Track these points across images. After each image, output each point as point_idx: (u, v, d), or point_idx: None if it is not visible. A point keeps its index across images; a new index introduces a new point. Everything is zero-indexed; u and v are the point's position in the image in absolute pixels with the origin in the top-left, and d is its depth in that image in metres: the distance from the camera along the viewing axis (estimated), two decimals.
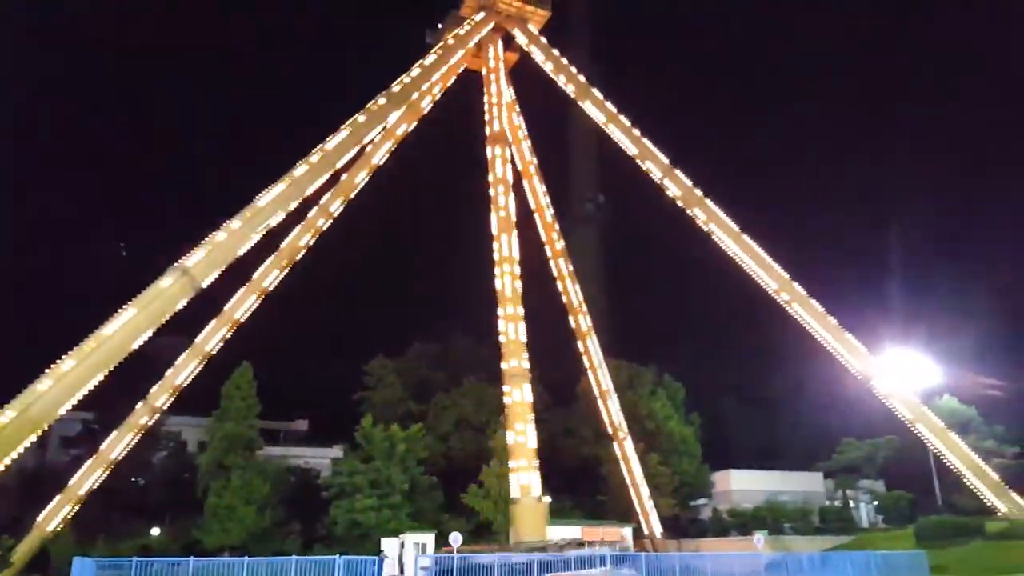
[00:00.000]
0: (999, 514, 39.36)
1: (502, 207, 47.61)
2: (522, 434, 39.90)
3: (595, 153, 73.26)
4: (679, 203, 48.61)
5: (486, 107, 52.94)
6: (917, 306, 78.68)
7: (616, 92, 52.60)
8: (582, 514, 56.97)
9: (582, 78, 52.88)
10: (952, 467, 38.85)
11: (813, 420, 72.89)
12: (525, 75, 57.75)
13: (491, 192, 48.69)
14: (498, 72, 53.62)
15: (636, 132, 50.47)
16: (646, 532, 53.07)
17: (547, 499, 56.59)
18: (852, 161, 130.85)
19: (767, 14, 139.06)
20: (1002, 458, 54.34)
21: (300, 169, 35.85)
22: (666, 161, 49.35)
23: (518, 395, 41.56)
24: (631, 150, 50.26)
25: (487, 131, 51.75)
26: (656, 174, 49.20)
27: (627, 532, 45.96)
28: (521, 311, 43.96)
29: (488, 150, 51.34)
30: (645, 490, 54.40)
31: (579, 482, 64.68)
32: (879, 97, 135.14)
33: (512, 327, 42.82)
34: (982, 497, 37.09)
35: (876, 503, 62.49)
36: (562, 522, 48.27)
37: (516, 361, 41.76)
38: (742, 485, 65.76)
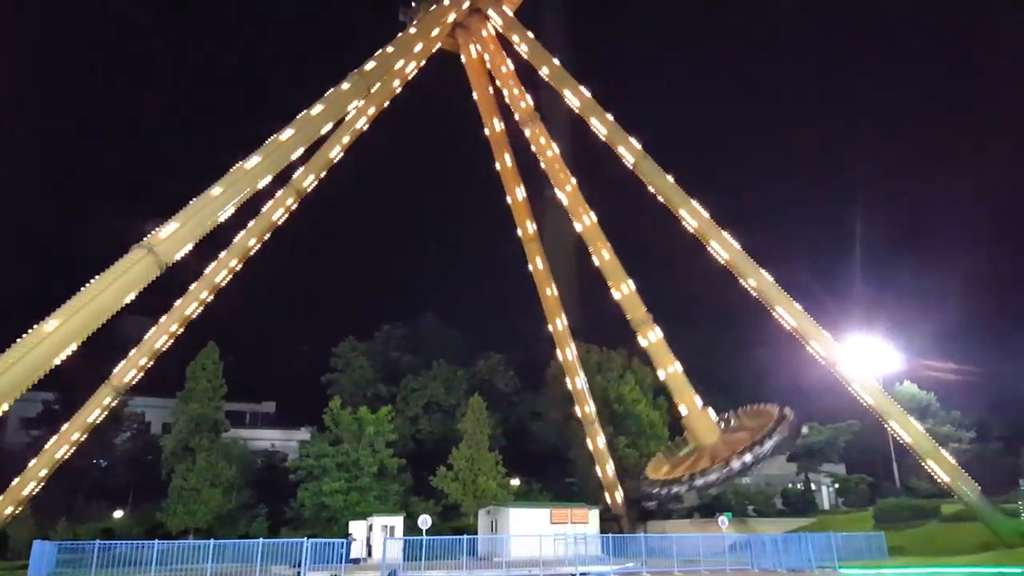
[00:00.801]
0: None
1: (564, 180, 51.30)
2: (673, 366, 49.53)
3: (569, 136, 73.10)
4: (651, 189, 48.51)
5: (505, 91, 53.21)
6: (878, 294, 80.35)
7: (589, 74, 52.40)
8: (550, 497, 57.59)
9: (556, 61, 52.44)
10: (911, 451, 39.83)
11: (777, 404, 73.98)
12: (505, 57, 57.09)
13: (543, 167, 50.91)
14: (482, 56, 53.23)
15: (609, 117, 50.08)
16: (613, 514, 53.71)
17: (515, 482, 57.13)
18: (811, 149, 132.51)
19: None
20: (959, 442, 56.05)
21: (271, 145, 35.05)
22: (639, 147, 49.12)
23: (654, 336, 49.75)
24: (604, 135, 49.88)
25: (516, 115, 52.45)
26: (630, 160, 49.04)
27: (593, 514, 46.44)
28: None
29: (527, 131, 52.37)
30: (612, 473, 54.93)
31: (547, 465, 65.31)
32: (838, 84, 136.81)
33: (626, 287, 49.85)
34: (939, 480, 38.14)
35: (837, 486, 63.98)
36: (530, 504, 48.66)
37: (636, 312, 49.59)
38: None
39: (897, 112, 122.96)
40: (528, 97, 55.00)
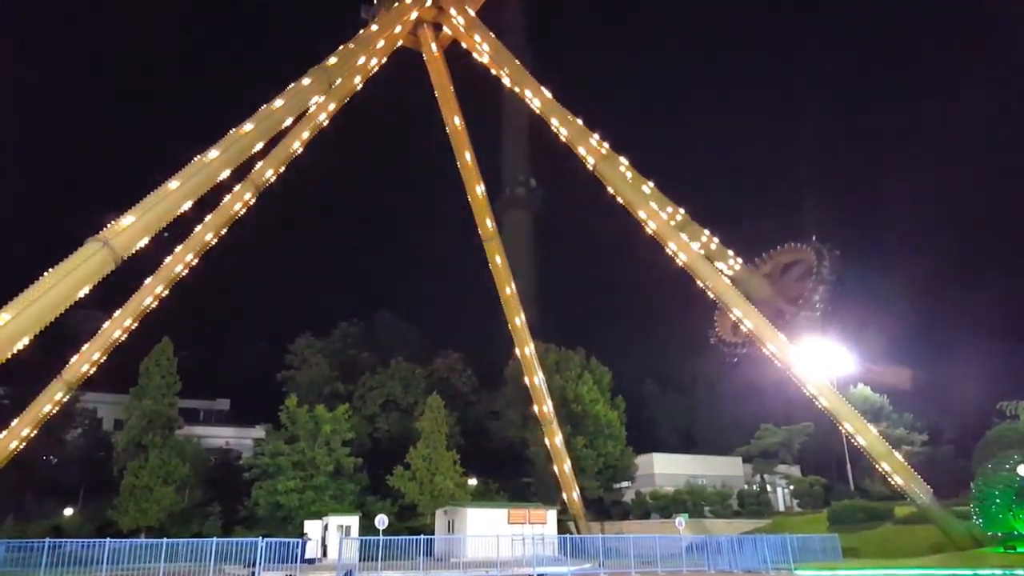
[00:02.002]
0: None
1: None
2: None
3: (528, 137, 73.60)
4: (610, 190, 48.91)
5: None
6: (831, 297, 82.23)
7: (550, 73, 52.70)
8: (508, 496, 57.74)
9: (517, 62, 52.56)
10: (864, 453, 40.91)
11: (734, 406, 75.61)
12: (458, 55, 57.16)
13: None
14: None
15: (571, 117, 50.15)
16: (571, 514, 54.13)
17: (472, 482, 57.15)
18: (759, 151, 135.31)
19: None
20: (911, 445, 57.83)
21: (211, 153, 34.44)
22: (602, 148, 49.47)
23: None
24: (565, 136, 50.06)
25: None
26: (590, 160, 49.36)
27: (551, 514, 46.73)
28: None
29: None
30: (570, 472, 55.35)
31: (505, 465, 65.51)
32: (786, 85, 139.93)
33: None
34: (892, 482, 39.23)
35: (792, 487, 65.27)
36: (487, 504, 48.75)
37: None
38: (664, 468, 67.71)
39: (844, 111, 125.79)
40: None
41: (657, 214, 45.65)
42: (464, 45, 53.98)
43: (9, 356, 26.71)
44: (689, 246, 44.44)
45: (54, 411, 44.42)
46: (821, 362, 50.84)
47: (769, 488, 65.89)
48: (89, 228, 29.60)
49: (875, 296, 76.18)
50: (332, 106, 49.48)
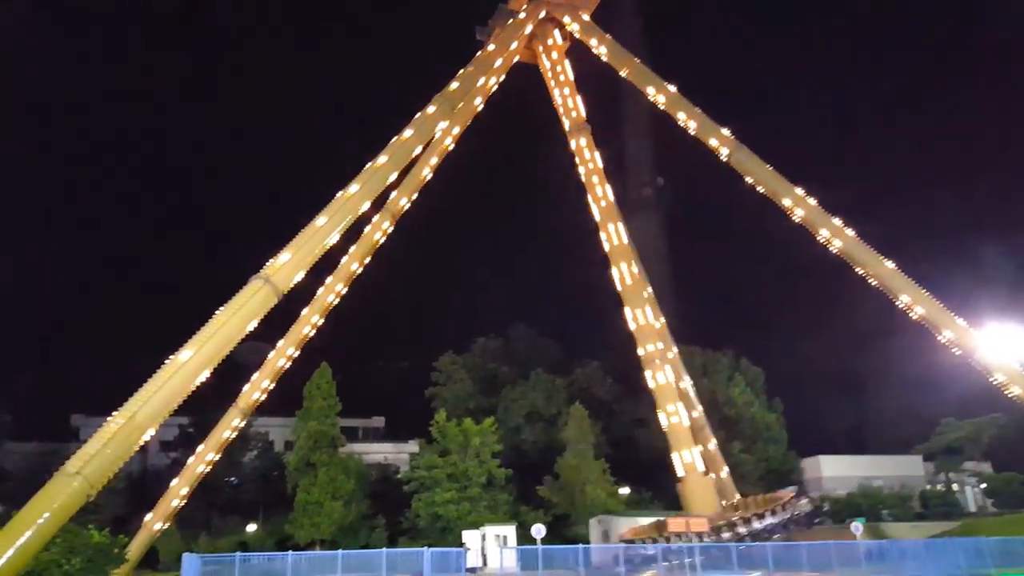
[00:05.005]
0: None
1: (601, 197, 47.05)
2: (675, 414, 40.13)
3: (653, 136, 71.91)
4: (749, 180, 46.79)
5: (558, 100, 52.73)
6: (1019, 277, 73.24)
7: (671, 69, 51.26)
8: (662, 505, 56.02)
9: (637, 60, 51.68)
10: None
11: (906, 400, 69.25)
12: (577, 62, 57.07)
13: (584, 180, 48.72)
14: (562, 63, 53.24)
15: (697, 109, 48.77)
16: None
17: (624, 490, 55.93)
18: (943, 128, 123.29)
19: None
20: None
21: (352, 188, 36.20)
22: (732, 137, 47.54)
23: (662, 378, 43.17)
24: (693, 129, 48.63)
25: (566, 123, 51.69)
26: (723, 152, 47.50)
27: None
28: (648, 293, 42.96)
29: (572, 142, 50.97)
30: (728, 479, 52.82)
31: (656, 473, 63.67)
32: (968, 60, 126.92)
33: (641, 313, 42.84)
34: None
35: (984, 486, 58.93)
36: (643, 513, 47.55)
37: (652, 346, 42.02)
38: (833, 471, 63.19)
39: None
40: (581, 106, 54.17)
41: (805, 199, 42.94)
42: (591, 44, 53.39)
43: (191, 390, 29.41)
44: (844, 231, 41.39)
45: (232, 436, 48.71)
46: (1009, 347, 45.38)
47: (956, 487, 59.71)
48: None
49: None
50: (456, 130, 51.13)
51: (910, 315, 41.45)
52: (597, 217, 49.65)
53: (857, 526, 37.31)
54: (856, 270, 43.05)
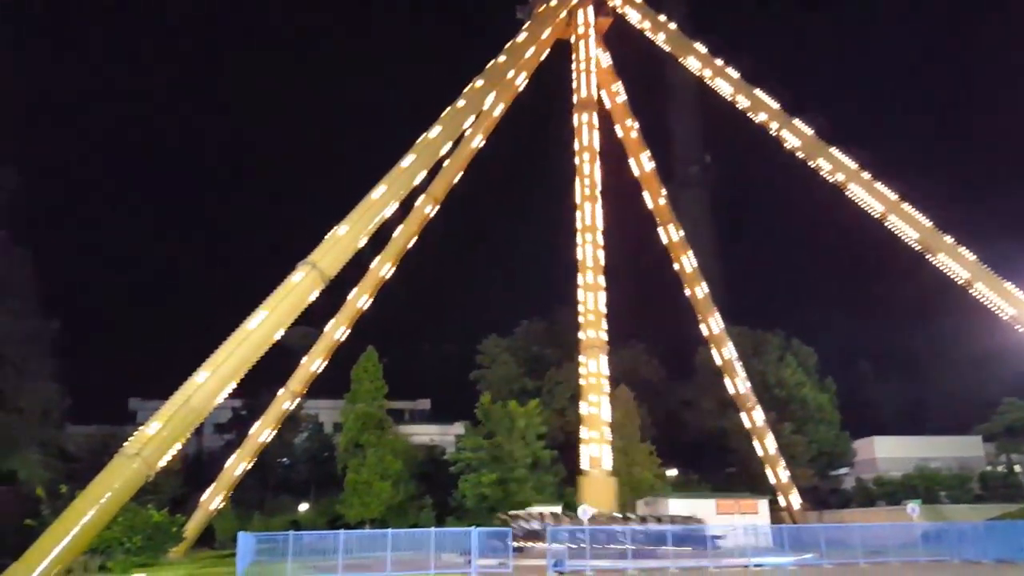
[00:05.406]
0: None
1: (587, 175, 45.77)
2: (596, 405, 38.75)
3: (699, 113, 70.37)
4: (799, 154, 45.55)
5: (574, 73, 51.66)
6: None
7: (717, 44, 49.97)
8: (710, 487, 55.53)
9: (682, 34, 50.47)
10: None
11: (965, 380, 66.82)
12: (622, 40, 55.95)
13: (576, 160, 47.14)
14: (587, 37, 52.10)
15: (745, 84, 47.68)
16: (783, 504, 50.94)
17: (672, 472, 55.51)
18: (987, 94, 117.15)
19: None
20: None
21: (407, 160, 36.39)
22: (782, 110, 46.36)
23: (594, 366, 39.99)
24: (741, 104, 47.53)
25: (575, 98, 50.44)
26: (772, 126, 46.30)
27: (763, 504, 44.18)
28: (602, 281, 42.27)
29: (575, 117, 49.99)
30: (779, 461, 52.08)
31: (703, 455, 63.04)
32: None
33: (592, 297, 41.38)
34: None
35: None
36: (692, 495, 47.21)
37: (594, 332, 40.42)
38: (887, 452, 61.67)
39: None
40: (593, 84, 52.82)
41: (856, 173, 41.67)
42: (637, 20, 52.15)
43: (244, 374, 30.15)
44: (900, 205, 40.17)
45: (283, 419, 49.93)
46: None
47: (1018, 468, 57.60)
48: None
49: None
50: (499, 109, 50.91)
51: (970, 292, 39.97)
52: (578, 199, 47.88)
53: (913, 508, 36.27)
54: (913, 246, 41.74)
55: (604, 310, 42.27)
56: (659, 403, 65.73)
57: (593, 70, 51.93)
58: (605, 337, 41.35)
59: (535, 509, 38.20)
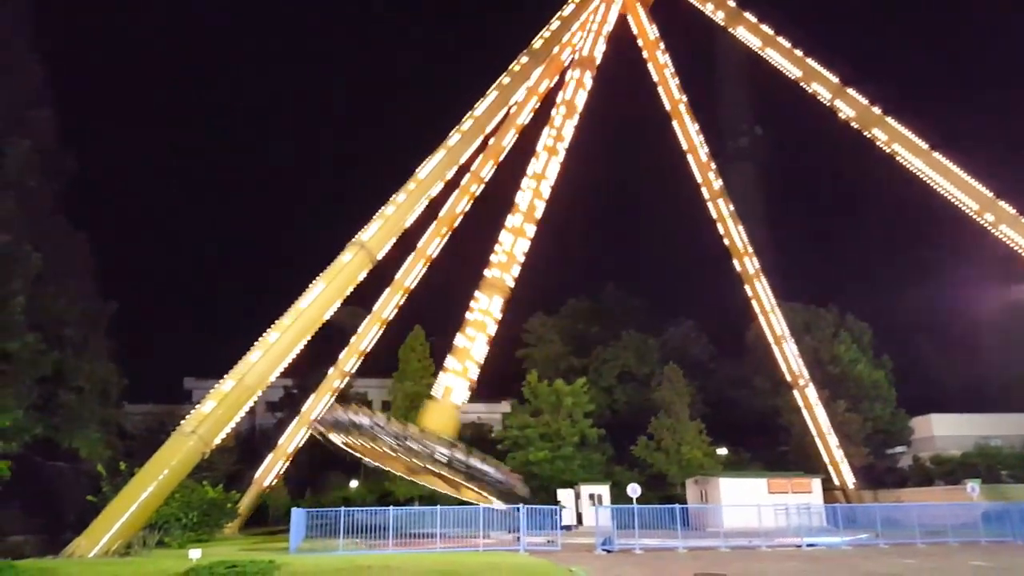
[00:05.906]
0: None
1: (557, 127, 43.62)
2: (471, 340, 38.16)
3: (750, 84, 68.46)
4: (854, 125, 43.99)
5: (582, 31, 50.26)
6: None
7: (768, 11, 48.26)
8: (761, 466, 54.70)
9: (732, 2, 48.89)
10: None
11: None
12: (670, 12, 54.51)
13: (552, 112, 45.45)
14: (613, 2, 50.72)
15: (798, 53, 46.13)
16: (837, 483, 49.89)
17: (722, 451, 54.83)
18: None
19: None
20: None
21: (453, 138, 36.32)
22: (836, 80, 44.77)
23: (486, 303, 38.99)
24: (794, 73, 46.07)
25: (575, 55, 48.65)
26: (825, 96, 44.76)
27: (816, 483, 43.31)
28: (530, 230, 40.24)
29: (568, 72, 48.13)
30: (833, 439, 50.94)
31: (755, 434, 62.03)
32: None
33: (512, 239, 39.78)
34: None
35: None
36: (743, 473, 46.56)
37: (500, 273, 39.13)
38: (946, 430, 59.58)
39: None
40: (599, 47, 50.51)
41: (914, 143, 40.01)
42: None
43: (295, 353, 30.77)
44: (977, 188, 38.64)
45: (333, 397, 50.79)
46: None
47: None
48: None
49: None
50: (544, 84, 50.10)
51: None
52: (539, 147, 45.47)
53: (973, 487, 35.18)
54: (973, 217, 40.09)
55: (522, 258, 40.77)
56: (710, 381, 64.89)
57: (604, 32, 50.13)
58: (511, 284, 40.14)
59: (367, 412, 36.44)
